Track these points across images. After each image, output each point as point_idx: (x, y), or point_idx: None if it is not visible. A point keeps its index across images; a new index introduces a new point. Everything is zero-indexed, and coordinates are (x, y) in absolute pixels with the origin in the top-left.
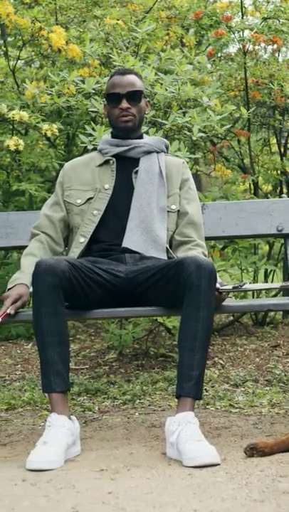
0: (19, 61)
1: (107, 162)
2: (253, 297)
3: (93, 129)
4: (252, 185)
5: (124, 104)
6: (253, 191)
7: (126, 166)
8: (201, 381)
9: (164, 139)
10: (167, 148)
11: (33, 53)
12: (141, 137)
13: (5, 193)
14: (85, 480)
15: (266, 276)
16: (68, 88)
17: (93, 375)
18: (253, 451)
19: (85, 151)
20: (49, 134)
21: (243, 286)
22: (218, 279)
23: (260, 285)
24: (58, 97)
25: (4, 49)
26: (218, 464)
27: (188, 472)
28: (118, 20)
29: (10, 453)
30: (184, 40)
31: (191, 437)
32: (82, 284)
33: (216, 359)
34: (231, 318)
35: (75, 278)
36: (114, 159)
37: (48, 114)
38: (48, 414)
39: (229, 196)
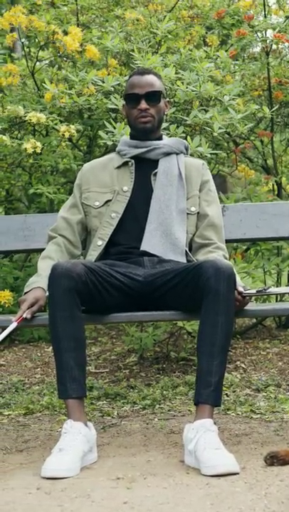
0: (41, 62)
1: (125, 164)
2: (277, 300)
3: (113, 126)
4: (275, 186)
5: (143, 104)
6: (276, 192)
7: (145, 167)
8: (220, 387)
9: (184, 140)
10: (187, 149)
11: (52, 54)
12: (160, 138)
13: (27, 194)
14: (100, 489)
15: None
16: (88, 87)
17: (113, 379)
18: (274, 459)
19: (106, 151)
20: (66, 135)
21: (267, 290)
22: (241, 283)
23: (284, 288)
24: (78, 97)
25: (27, 50)
26: (237, 473)
27: (206, 481)
28: (138, 17)
29: (26, 459)
30: (207, 40)
31: (210, 445)
32: (100, 287)
33: (237, 363)
34: (254, 320)
35: (91, 282)
36: (132, 161)
37: (68, 115)
38: (65, 419)
39: (252, 197)
